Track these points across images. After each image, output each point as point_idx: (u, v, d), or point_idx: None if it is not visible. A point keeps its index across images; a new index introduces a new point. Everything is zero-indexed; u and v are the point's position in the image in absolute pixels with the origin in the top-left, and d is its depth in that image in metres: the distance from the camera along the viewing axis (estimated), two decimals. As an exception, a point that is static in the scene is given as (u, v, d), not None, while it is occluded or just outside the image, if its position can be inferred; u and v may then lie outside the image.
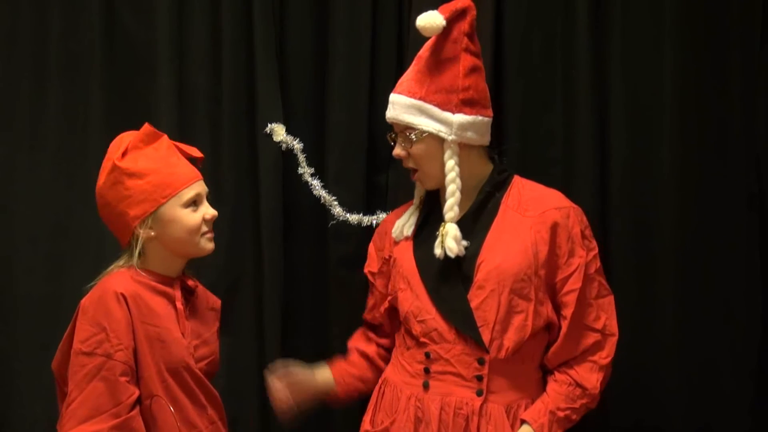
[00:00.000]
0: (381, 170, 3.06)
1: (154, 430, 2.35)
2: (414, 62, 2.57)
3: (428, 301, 2.55)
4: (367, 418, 2.66)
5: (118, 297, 2.32)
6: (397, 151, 2.59)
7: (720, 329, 2.94)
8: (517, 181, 2.61)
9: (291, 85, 3.05)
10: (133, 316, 2.33)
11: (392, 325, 2.72)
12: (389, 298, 2.65)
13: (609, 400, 2.93)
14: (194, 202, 2.42)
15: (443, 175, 2.53)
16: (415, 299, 2.57)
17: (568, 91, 2.95)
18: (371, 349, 2.76)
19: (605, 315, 2.54)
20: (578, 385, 2.51)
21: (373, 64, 3.02)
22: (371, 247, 2.75)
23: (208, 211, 2.44)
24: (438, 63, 2.53)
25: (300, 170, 3.02)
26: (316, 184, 3.01)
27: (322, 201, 3.01)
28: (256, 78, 2.99)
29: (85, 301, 2.36)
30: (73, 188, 3.03)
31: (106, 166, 2.41)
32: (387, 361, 2.72)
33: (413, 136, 2.54)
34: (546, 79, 2.97)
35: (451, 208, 2.52)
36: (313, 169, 3.02)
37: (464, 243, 2.51)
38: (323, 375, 2.71)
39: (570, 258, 2.51)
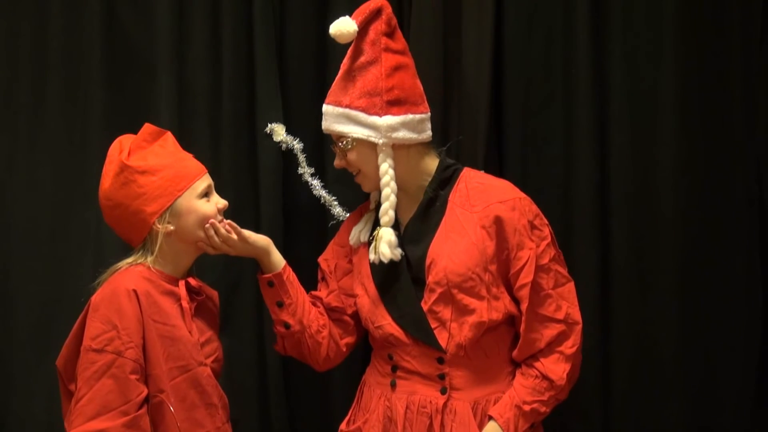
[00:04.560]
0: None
1: (160, 429, 2.35)
2: (340, 70, 2.58)
3: (382, 307, 2.56)
4: (346, 418, 2.68)
5: (129, 294, 2.32)
6: (336, 161, 2.62)
7: (720, 329, 2.94)
8: (466, 174, 2.60)
9: (291, 85, 3.05)
10: (143, 314, 2.33)
11: (357, 326, 2.70)
12: (354, 301, 2.65)
13: (610, 400, 2.94)
14: (206, 194, 2.45)
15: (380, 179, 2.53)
16: (371, 306, 2.58)
17: (568, 90, 2.95)
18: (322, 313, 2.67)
19: (566, 304, 2.52)
20: (545, 377, 2.50)
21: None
22: (332, 241, 2.75)
23: (219, 201, 2.49)
24: (359, 68, 2.53)
25: (300, 170, 3.02)
26: (316, 184, 3.01)
27: (322, 201, 3.01)
28: (256, 78, 2.99)
29: (95, 298, 2.36)
30: (73, 189, 3.03)
31: (110, 168, 2.41)
32: (325, 328, 2.64)
33: (346, 145, 2.54)
34: (546, 79, 2.97)
35: (386, 212, 2.53)
36: (313, 169, 3.02)
37: (398, 251, 2.51)
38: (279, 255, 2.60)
39: (519, 251, 2.49)
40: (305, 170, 3.02)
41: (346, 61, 2.57)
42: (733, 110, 2.93)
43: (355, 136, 2.52)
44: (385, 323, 2.55)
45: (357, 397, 2.68)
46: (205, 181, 2.47)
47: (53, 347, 2.49)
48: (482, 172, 2.66)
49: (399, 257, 2.52)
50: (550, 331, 2.50)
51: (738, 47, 2.93)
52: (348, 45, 2.59)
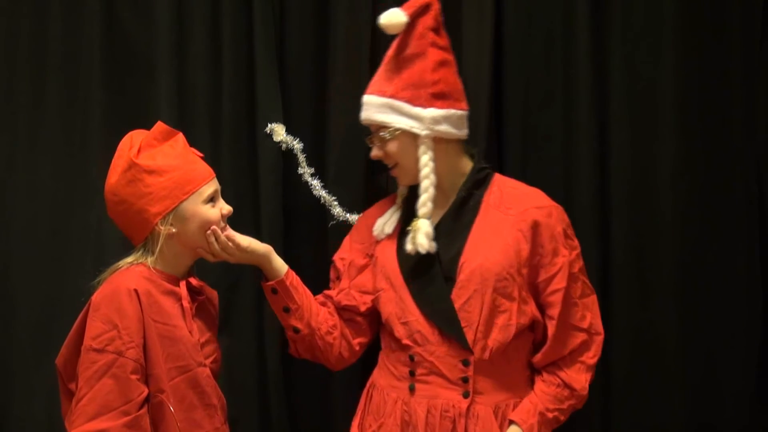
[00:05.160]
0: (381, 170, 3.05)
1: (160, 429, 2.35)
2: (383, 61, 2.58)
3: (411, 302, 2.54)
4: (355, 423, 2.65)
5: (130, 293, 2.32)
6: (374, 152, 2.60)
7: (720, 329, 2.94)
8: (498, 179, 2.60)
9: (291, 85, 3.04)
10: (144, 313, 2.33)
11: (370, 325, 2.69)
12: (371, 298, 2.64)
13: (610, 397, 2.94)
14: (212, 199, 2.44)
15: (419, 171, 2.52)
16: (398, 300, 2.56)
17: (568, 91, 2.95)
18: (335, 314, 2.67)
19: (590, 314, 2.53)
20: (567, 385, 2.50)
21: (373, 63, 3.02)
22: (348, 239, 2.74)
23: (224, 206, 2.48)
24: (406, 60, 2.53)
25: (300, 170, 3.02)
26: (316, 184, 3.01)
27: (322, 201, 3.01)
28: (256, 78, 2.99)
29: (96, 297, 2.35)
30: (73, 188, 3.03)
31: (119, 163, 2.40)
32: (335, 330, 2.64)
33: (387, 135, 2.54)
34: (546, 79, 2.97)
35: (425, 204, 2.52)
36: (313, 169, 3.02)
37: (434, 244, 2.50)
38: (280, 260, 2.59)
39: (554, 257, 2.50)
40: (305, 170, 3.02)
41: (390, 53, 2.57)
42: (733, 110, 2.94)
43: (397, 126, 2.52)
44: (412, 319, 2.53)
45: (364, 401, 2.65)
46: (212, 186, 2.46)
47: (53, 347, 2.48)
48: (513, 179, 2.66)
49: (435, 250, 2.51)
50: (574, 340, 2.51)
51: (738, 47, 2.93)
52: (385, 38, 2.61)
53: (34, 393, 3.00)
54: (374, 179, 3.06)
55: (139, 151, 2.40)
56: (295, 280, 2.60)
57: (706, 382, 2.94)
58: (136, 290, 2.33)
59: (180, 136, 2.48)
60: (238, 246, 2.49)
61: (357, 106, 3.00)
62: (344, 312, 2.67)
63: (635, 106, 2.94)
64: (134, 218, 2.40)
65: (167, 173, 2.39)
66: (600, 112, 2.95)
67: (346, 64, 3.01)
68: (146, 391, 2.32)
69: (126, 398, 2.28)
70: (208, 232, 2.43)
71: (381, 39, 3.03)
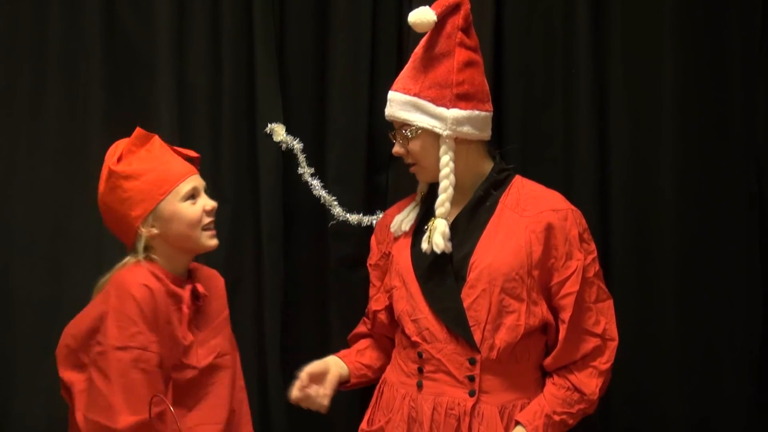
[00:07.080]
0: (381, 170, 3.06)
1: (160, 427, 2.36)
2: (410, 59, 2.58)
3: (421, 299, 2.54)
4: (365, 417, 2.67)
5: (143, 289, 2.33)
6: (396, 149, 2.59)
7: (720, 329, 2.94)
8: (518, 181, 2.60)
9: (291, 85, 3.05)
10: (158, 310, 2.34)
11: (392, 322, 2.70)
12: (388, 295, 2.65)
13: (610, 397, 2.94)
14: (192, 196, 2.44)
15: (439, 170, 2.53)
16: (409, 298, 2.56)
17: (568, 91, 2.95)
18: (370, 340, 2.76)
19: (605, 319, 2.51)
20: (577, 389, 2.49)
21: (373, 63, 3.03)
22: (373, 239, 2.75)
23: (207, 202, 2.47)
24: (432, 58, 2.52)
25: (300, 170, 3.02)
26: (316, 184, 3.02)
27: (322, 201, 3.01)
28: (256, 78, 2.99)
29: (112, 296, 2.35)
30: (73, 188, 3.03)
31: (103, 173, 2.44)
32: (383, 349, 2.72)
33: (409, 133, 2.54)
34: (546, 79, 2.98)
35: (443, 203, 2.51)
36: (313, 169, 3.03)
37: (449, 245, 2.50)
38: (338, 365, 2.69)
39: (567, 261, 2.49)
40: (305, 170, 3.02)
41: (417, 50, 2.56)
42: (734, 110, 2.94)
43: (420, 125, 2.51)
44: (421, 317, 2.53)
45: (376, 396, 2.66)
46: (191, 182, 2.45)
47: (54, 347, 2.48)
48: (533, 181, 2.66)
49: (450, 250, 2.51)
50: (586, 344, 2.49)
51: (738, 47, 2.93)
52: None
53: (35, 392, 2.99)
54: (374, 179, 3.06)
55: (119, 159, 2.42)
56: (359, 372, 2.70)
57: (706, 381, 2.94)
58: (150, 288, 2.34)
59: (155, 139, 2.48)
60: (324, 403, 2.63)
61: (357, 105, 3.02)
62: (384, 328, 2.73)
63: (635, 106, 2.94)
64: (120, 224, 2.43)
65: (142, 176, 2.40)
66: (600, 112, 2.95)
67: (346, 63, 3.01)
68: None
69: (155, 390, 2.30)
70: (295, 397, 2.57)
71: (380, 38, 3.05)
